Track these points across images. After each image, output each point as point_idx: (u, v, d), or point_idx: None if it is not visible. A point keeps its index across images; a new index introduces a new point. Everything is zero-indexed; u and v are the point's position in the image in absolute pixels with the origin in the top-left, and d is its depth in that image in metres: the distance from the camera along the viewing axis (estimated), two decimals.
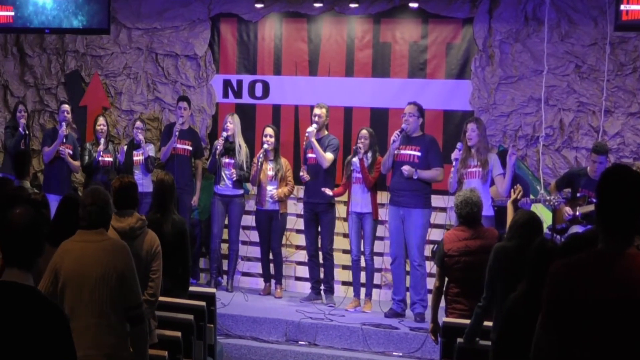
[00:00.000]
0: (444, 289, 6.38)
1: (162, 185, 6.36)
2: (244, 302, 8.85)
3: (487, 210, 7.80)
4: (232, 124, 9.32)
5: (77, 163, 9.75)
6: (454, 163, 8.16)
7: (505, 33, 9.29)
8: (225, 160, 9.33)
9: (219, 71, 10.27)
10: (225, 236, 9.55)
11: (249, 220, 9.58)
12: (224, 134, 9.29)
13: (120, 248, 4.56)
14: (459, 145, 8.19)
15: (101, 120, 9.75)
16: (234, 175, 9.23)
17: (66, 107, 9.83)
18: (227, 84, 10.23)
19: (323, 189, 8.76)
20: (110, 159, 9.69)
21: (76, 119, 10.53)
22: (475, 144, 8.06)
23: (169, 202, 6.35)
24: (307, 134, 8.91)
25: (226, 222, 9.50)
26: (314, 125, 8.89)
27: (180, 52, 10.37)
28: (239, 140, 9.36)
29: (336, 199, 9.00)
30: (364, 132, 8.76)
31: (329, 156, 8.88)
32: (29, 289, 3.26)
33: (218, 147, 9.28)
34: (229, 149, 9.31)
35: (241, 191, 9.45)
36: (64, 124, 9.64)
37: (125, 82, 10.59)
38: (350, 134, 9.65)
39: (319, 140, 8.92)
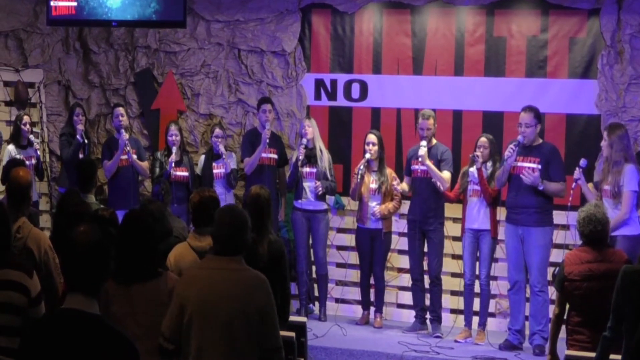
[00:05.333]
0: (565, 317, 6.12)
1: (257, 200, 6.03)
2: (339, 333, 8.51)
3: (631, 230, 7.55)
4: (311, 127, 8.99)
5: (145, 164, 9.43)
6: (572, 185, 7.83)
7: (636, 26, 8.78)
8: (307, 170, 8.97)
9: (310, 70, 9.87)
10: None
11: (347, 239, 9.26)
12: (303, 140, 8.95)
13: (261, 281, 4.35)
14: (582, 162, 7.85)
15: (173, 129, 9.28)
16: (320, 190, 8.86)
17: (120, 110, 9.46)
18: (319, 84, 9.81)
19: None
20: (185, 174, 9.21)
21: (147, 125, 10.18)
22: (606, 156, 7.69)
23: (266, 220, 6.04)
24: (419, 158, 8.46)
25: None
26: (424, 143, 8.46)
27: (266, 48, 9.95)
28: (320, 145, 9.03)
29: (445, 215, 8.68)
30: (483, 139, 8.41)
31: (446, 175, 8.51)
32: (94, 317, 3.18)
33: (299, 156, 8.90)
34: (310, 157, 8.98)
35: (325, 206, 9.07)
36: (123, 131, 9.24)
37: (203, 82, 10.15)
38: (459, 140, 9.25)
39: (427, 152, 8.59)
